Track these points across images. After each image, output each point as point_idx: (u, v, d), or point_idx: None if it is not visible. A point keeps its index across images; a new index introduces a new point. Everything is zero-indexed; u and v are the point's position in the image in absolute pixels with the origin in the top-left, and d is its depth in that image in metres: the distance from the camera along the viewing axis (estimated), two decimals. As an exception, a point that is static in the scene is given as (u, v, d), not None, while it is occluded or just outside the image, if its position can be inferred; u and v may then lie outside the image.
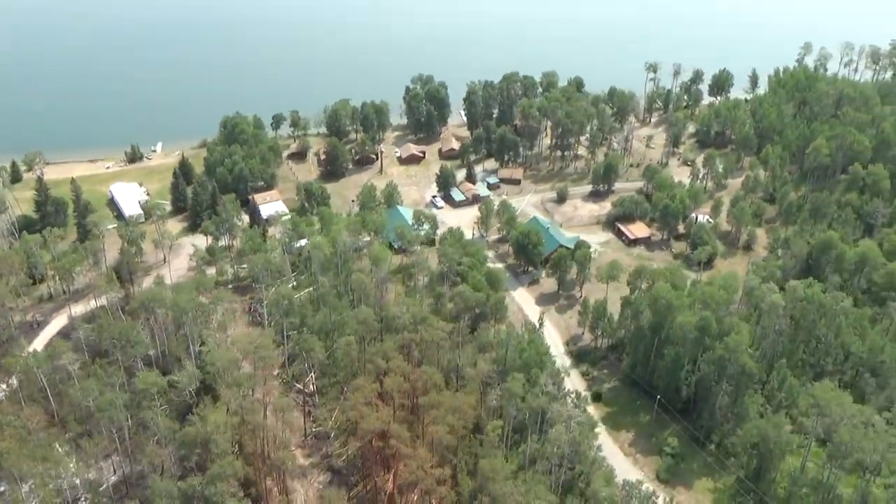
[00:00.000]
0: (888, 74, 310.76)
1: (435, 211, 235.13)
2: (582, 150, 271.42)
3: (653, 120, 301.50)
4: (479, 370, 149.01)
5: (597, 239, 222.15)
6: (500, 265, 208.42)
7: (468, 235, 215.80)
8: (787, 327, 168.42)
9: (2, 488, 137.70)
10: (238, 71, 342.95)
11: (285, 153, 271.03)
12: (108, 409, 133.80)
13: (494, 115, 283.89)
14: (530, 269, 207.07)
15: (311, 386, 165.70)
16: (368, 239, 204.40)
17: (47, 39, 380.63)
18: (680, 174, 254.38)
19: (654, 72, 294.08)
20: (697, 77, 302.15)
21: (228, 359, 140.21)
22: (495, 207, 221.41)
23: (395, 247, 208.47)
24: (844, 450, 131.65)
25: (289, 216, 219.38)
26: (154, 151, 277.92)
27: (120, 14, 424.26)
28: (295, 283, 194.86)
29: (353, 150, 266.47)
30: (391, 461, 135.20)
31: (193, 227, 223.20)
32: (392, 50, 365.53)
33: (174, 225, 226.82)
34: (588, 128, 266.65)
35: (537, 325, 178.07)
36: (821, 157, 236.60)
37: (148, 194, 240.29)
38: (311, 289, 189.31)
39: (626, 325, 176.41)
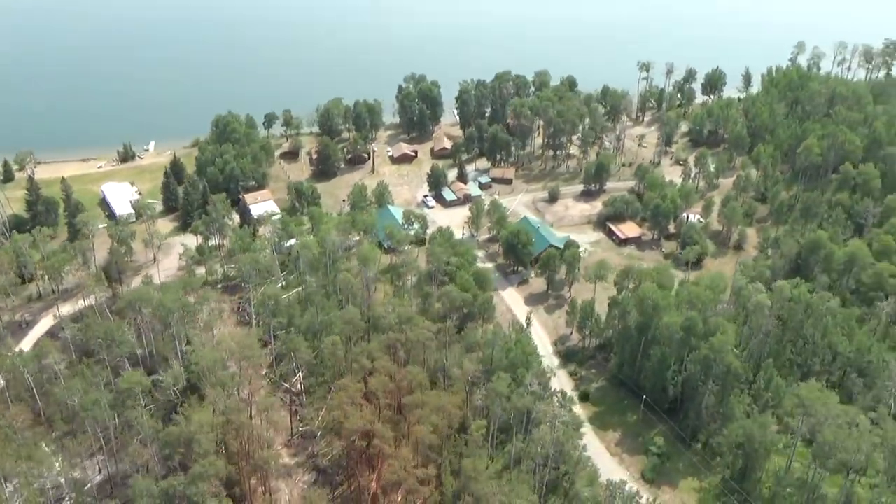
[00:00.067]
0: (881, 73, 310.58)
1: (426, 210, 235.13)
2: (574, 150, 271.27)
3: (646, 119, 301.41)
4: (465, 370, 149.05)
5: (587, 238, 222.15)
6: (489, 265, 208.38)
7: (458, 235, 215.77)
8: (774, 327, 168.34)
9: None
10: (232, 70, 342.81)
11: (277, 152, 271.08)
12: (92, 409, 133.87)
13: (487, 115, 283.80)
14: (520, 268, 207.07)
15: (299, 385, 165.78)
16: (358, 238, 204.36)
17: (40, 39, 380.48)
18: (672, 173, 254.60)
19: (647, 71, 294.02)
20: (690, 76, 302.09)
21: (213, 358, 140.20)
22: (486, 207, 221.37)
23: (385, 246, 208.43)
24: (828, 450, 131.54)
25: (279, 216, 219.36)
26: (146, 151, 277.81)
27: (118, 14, 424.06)
28: (284, 283, 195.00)
29: (345, 150, 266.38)
30: (375, 461, 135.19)
31: (184, 227, 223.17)
32: (388, 49, 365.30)
33: (165, 224, 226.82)
34: (580, 127, 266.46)
35: (525, 325, 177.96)
36: (812, 157, 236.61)
37: (139, 194, 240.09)
38: (299, 289, 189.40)
39: (614, 326, 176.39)
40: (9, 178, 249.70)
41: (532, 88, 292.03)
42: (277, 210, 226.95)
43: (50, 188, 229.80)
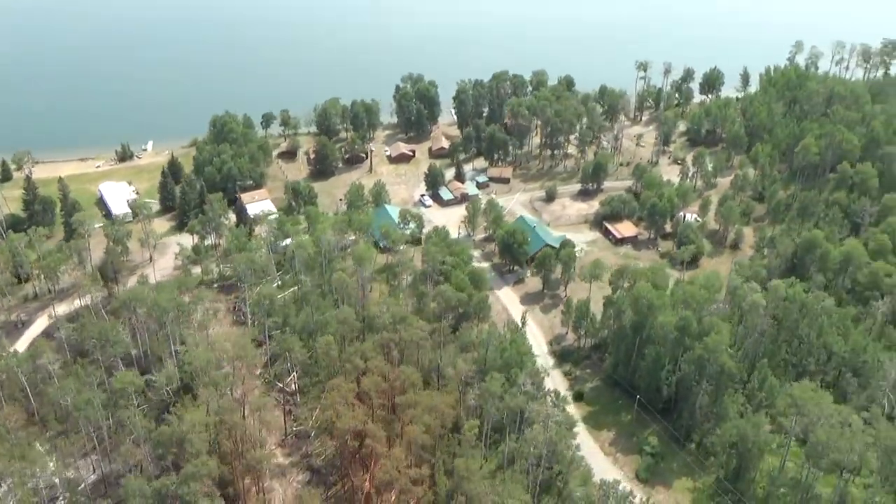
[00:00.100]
0: (879, 73, 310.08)
1: (423, 210, 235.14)
2: (572, 149, 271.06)
3: (643, 118, 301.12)
4: (458, 370, 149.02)
5: (584, 238, 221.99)
6: (485, 264, 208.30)
7: (455, 234, 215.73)
8: (769, 327, 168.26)
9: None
10: (231, 70, 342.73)
11: (275, 152, 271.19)
12: (85, 409, 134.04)
13: (484, 114, 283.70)
14: (516, 268, 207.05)
15: (293, 385, 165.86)
16: (354, 238, 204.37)
17: (40, 39, 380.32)
18: (670, 173, 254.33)
19: (645, 70, 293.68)
20: (688, 75, 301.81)
21: (205, 358, 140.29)
22: (482, 206, 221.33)
23: (382, 246, 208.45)
24: (821, 449, 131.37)
25: (276, 215, 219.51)
26: (145, 150, 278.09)
27: (118, 14, 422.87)
28: (280, 283, 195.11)
29: (342, 149, 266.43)
30: (368, 461, 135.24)
31: (181, 226, 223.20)
32: (386, 49, 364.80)
33: (162, 224, 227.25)
34: (577, 127, 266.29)
35: (520, 325, 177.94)
36: (810, 156, 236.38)
37: (137, 193, 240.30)
38: (295, 288, 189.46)
39: (609, 325, 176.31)
40: (7, 177, 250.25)
41: (529, 88, 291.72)
42: (274, 209, 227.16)
43: (48, 188, 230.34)
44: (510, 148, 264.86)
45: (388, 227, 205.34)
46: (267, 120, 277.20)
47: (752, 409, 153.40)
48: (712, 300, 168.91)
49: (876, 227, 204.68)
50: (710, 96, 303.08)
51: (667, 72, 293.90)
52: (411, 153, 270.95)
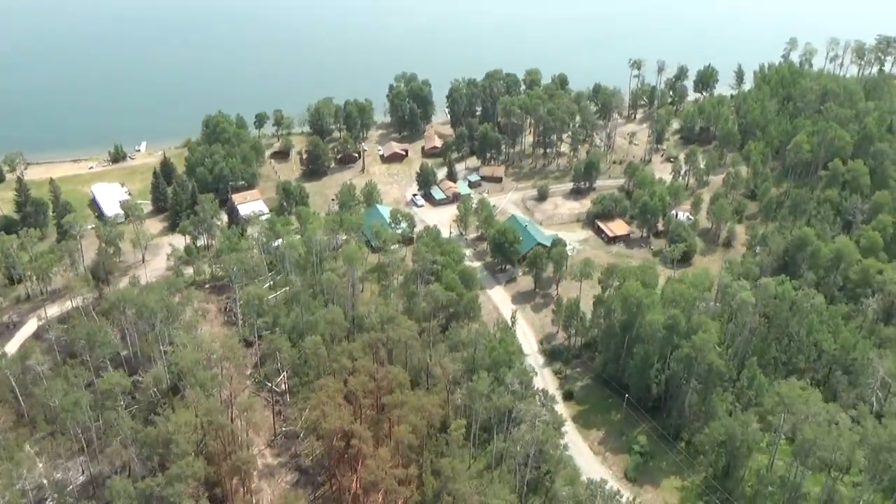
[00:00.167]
0: (874, 70, 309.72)
1: (415, 209, 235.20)
2: (564, 148, 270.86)
3: (637, 116, 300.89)
4: (445, 369, 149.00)
5: (576, 237, 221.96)
6: (477, 263, 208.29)
7: (446, 234, 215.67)
8: (759, 325, 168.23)
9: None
10: (225, 71, 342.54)
11: (268, 152, 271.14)
12: (73, 410, 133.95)
13: (478, 113, 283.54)
14: (507, 267, 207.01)
15: (283, 385, 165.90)
16: (345, 238, 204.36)
17: (33, 40, 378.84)
18: (663, 171, 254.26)
19: (639, 68, 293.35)
20: (682, 73, 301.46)
21: (192, 359, 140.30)
22: (474, 206, 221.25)
23: (373, 246, 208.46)
24: (808, 447, 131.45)
25: (268, 215, 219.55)
26: (138, 151, 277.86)
27: (113, 14, 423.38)
28: (272, 283, 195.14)
29: (335, 149, 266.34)
30: (355, 461, 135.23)
31: (173, 227, 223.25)
32: (382, 49, 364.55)
33: (155, 225, 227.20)
34: (570, 125, 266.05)
35: (510, 324, 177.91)
36: (802, 153, 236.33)
37: (129, 194, 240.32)
38: (286, 288, 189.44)
39: (599, 324, 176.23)
40: (0, 179, 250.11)
41: (523, 87, 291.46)
42: (266, 210, 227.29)
43: (40, 189, 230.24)
44: (503, 147, 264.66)
45: (379, 226, 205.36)
46: (260, 120, 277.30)
47: (741, 407, 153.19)
48: (701, 298, 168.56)
49: (867, 225, 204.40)
50: (704, 94, 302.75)
51: (660, 70, 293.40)
52: (404, 153, 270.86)
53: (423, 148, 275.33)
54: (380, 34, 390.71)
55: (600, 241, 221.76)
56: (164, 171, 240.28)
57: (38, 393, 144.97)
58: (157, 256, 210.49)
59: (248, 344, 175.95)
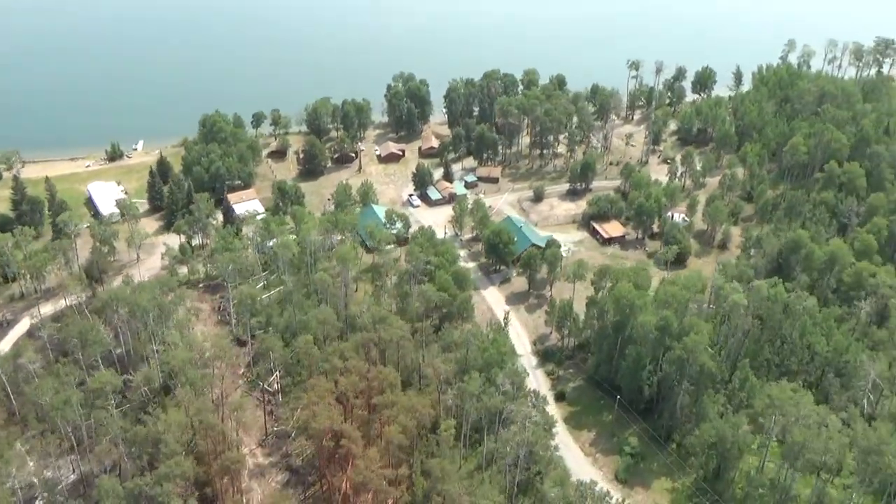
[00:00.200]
0: (872, 71, 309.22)
1: (411, 210, 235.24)
2: (561, 149, 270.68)
3: (635, 117, 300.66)
4: (436, 370, 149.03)
5: (571, 238, 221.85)
6: (472, 264, 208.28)
7: (441, 234, 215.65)
8: (753, 327, 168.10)
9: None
10: (224, 70, 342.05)
11: (265, 152, 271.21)
12: (63, 408, 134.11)
13: (475, 114, 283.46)
14: (502, 268, 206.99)
15: (276, 385, 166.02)
16: (340, 238, 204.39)
17: (30, 39, 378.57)
18: (659, 172, 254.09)
19: (637, 69, 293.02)
20: (680, 74, 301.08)
21: (183, 358, 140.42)
22: (469, 206, 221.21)
23: (368, 246, 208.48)
24: (797, 450, 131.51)
25: (263, 215, 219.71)
26: (135, 150, 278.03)
27: (111, 14, 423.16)
28: (266, 283, 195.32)
29: (332, 149, 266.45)
30: (345, 461, 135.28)
31: (169, 226, 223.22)
32: (381, 49, 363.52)
33: (150, 224, 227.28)
34: (567, 126, 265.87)
35: (503, 325, 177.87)
36: (799, 155, 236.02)
37: (126, 193, 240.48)
38: (280, 288, 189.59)
39: (592, 325, 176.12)
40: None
41: (521, 87, 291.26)
42: (262, 209, 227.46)
43: (37, 188, 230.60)
44: (500, 147, 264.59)
45: (373, 226, 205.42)
46: (257, 119, 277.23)
47: (732, 409, 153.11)
48: (694, 300, 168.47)
49: (863, 227, 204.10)
50: (702, 95, 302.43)
51: (658, 70, 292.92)
52: (401, 153, 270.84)
53: (420, 148, 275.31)
54: (380, 34, 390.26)
55: (595, 242, 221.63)
56: (161, 170, 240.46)
57: (28, 391, 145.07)
58: (152, 255, 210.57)
59: (242, 343, 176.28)
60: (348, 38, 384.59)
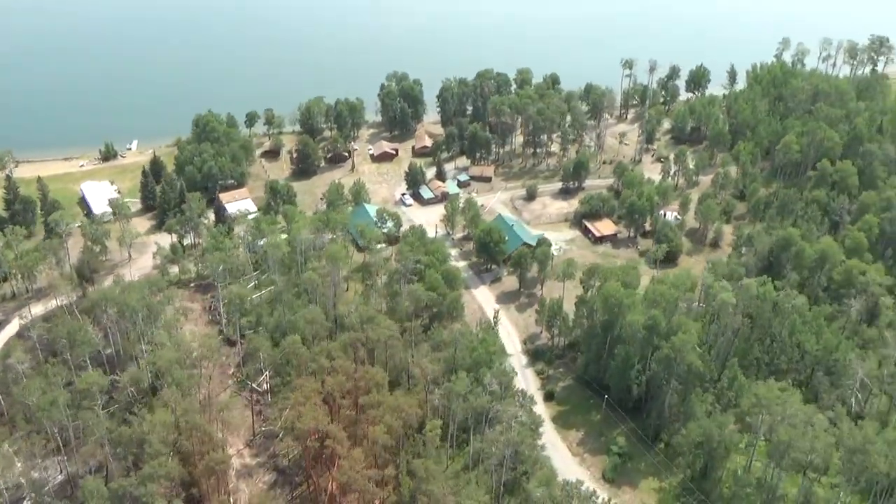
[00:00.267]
0: (866, 69, 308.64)
1: (403, 209, 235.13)
2: (555, 148, 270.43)
3: (629, 116, 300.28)
4: (423, 370, 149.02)
5: (563, 237, 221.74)
6: (462, 263, 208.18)
7: (432, 233, 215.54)
8: (743, 326, 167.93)
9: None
10: (218, 70, 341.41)
11: (259, 151, 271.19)
12: (49, 409, 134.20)
13: (468, 113, 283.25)
14: (493, 267, 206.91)
15: (265, 385, 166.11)
16: (331, 237, 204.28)
17: (25, 38, 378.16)
18: (653, 171, 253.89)
19: (630, 68, 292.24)
20: (674, 73, 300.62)
21: (170, 358, 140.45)
22: (461, 205, 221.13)
23: (360, 245, 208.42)
24: (783, 449, 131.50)
25: (255, 214, 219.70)
26: (129, 150, 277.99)
27: (105, 14, 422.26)
28: (256, 282, 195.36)
29: (325, 148, 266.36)
30: (331, 461, 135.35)
31: (161, 226, 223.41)
32: (375, 48, 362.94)
33: (143, 223, 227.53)
34: (561, 125, 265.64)
35: (492, 324, 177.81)
36: (791, 154, 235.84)
37: (119, 192, 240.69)
38: (271, 288, 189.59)
39: (581, 324, 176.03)
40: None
41: (514, 86, 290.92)
42: (254, 209, 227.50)
43: (31, 187, 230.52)
44: (493, 146, 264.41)
45: (364, 225, 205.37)
46: (251, 119, 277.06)
47: (720, 408, 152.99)
48: (683, 299, 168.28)
49: (854, 225, 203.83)
50: (696, 94, 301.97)
51: (652, 69, 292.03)
52: (394, 152, 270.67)
53: (413, 147, 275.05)
54: (379, 34, 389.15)
55: (587, 240, 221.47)
56: (154, 170, 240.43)
57: (16, 392, 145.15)
58: (143, 255, 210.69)
59: (232, 343, 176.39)
60: (347, 38, 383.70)
